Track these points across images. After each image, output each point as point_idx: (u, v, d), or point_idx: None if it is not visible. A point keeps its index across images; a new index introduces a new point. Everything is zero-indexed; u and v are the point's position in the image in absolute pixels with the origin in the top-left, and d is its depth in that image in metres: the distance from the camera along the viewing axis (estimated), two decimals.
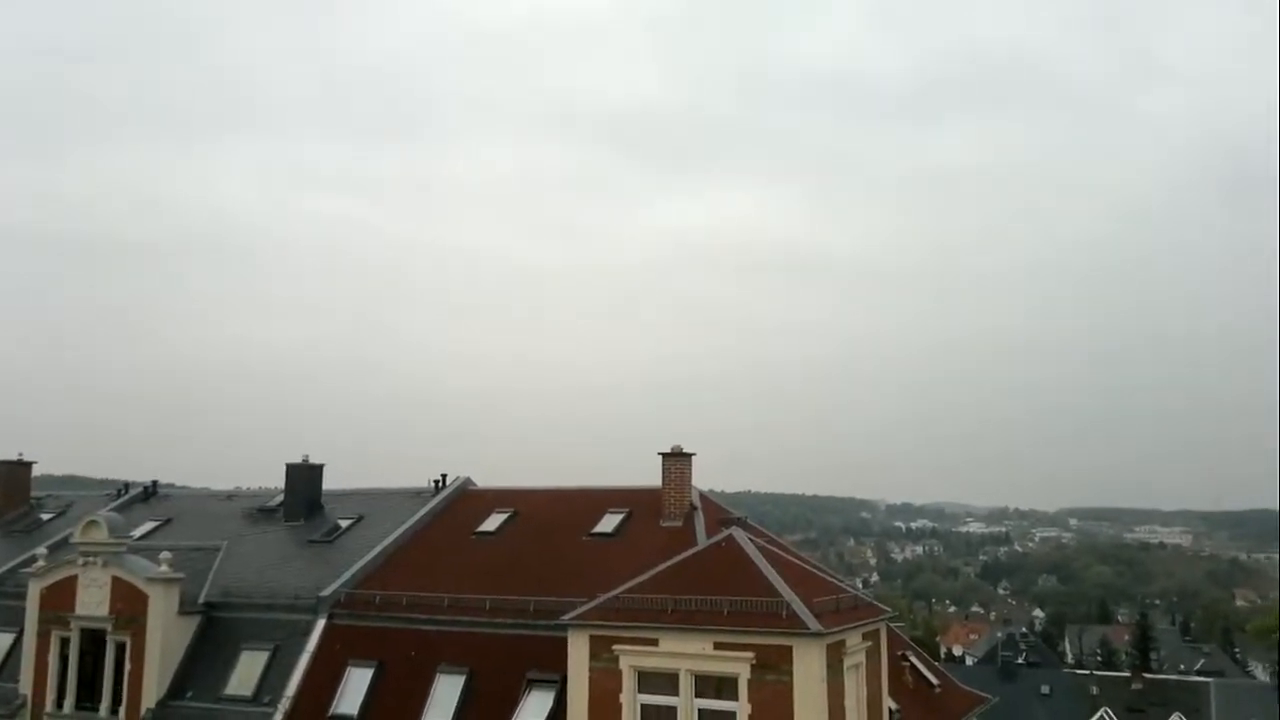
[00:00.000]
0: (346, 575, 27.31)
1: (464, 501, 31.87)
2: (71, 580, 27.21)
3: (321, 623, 26.20)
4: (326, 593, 26.61)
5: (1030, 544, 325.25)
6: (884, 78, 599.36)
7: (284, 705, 24.80)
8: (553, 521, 28.95)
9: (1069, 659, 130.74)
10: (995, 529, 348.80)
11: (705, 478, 28.51)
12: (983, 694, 31.94)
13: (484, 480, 33.45)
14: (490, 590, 25.31)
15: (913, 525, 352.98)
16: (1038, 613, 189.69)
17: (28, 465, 38.68)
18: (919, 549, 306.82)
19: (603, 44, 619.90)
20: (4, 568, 31.86)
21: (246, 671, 25.90)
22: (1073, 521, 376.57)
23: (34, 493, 38.85)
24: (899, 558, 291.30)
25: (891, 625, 26.24)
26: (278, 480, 34.37)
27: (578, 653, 21.31)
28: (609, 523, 27.98)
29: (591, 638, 21.20)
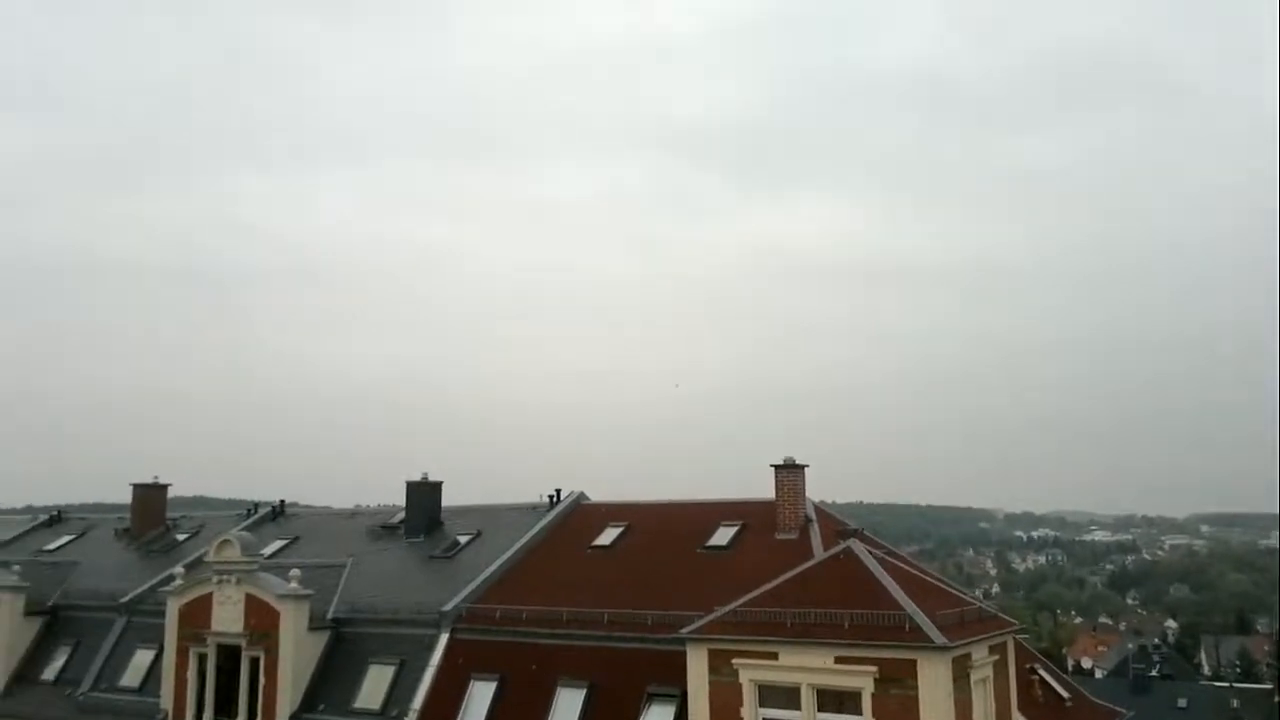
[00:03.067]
0: (467, 590, 27.81)
1: (578, 516, 32.16)
2: (207, 598, 28.28)
3: (444, 637, 26.71)
4: (449, 608, 27.13)
5: (1159, 552, 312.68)
6: (970, 79, 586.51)
7: (411, 718, 25.34)
8: (666, 535, 29.00)
9: (1205, 671, 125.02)
10: (1122, 537, 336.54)
11: (817, 489, 28.27)
12: (1116, 708, 30.79)
13: (596, 494, 33.78)
14: (607, 604, 25.45)
15: (1034, 534, 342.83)
16: (1170, 623, 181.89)
17: (163, 488, 40.40)
18: (1041, 559, 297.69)
19: (682, 59, 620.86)
20: (143, 587, 33.26)
21: (374, 685, 26.51)
22: (1204, 528, 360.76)
23: (169, 514, 40.52)
24: (1020, 568, 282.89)
25: (1017, 638, 25.52)
26: (397, 497, 35.23)
27: (697, 667, 21.28)
28: (723, 535, 27.90)
29: (711, 652, 21.15)
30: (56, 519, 43.61)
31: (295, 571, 27.81)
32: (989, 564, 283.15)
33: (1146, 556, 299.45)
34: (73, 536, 40.55)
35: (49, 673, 32.42)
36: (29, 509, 73.69)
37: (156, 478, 40.07)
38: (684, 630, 21.70)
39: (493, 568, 28.93)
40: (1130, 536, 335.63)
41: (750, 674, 20.67)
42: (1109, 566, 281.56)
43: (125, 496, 40.69)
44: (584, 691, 23.95)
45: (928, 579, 25.11)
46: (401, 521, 34.16)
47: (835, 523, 27.74)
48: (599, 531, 30.14)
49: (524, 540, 30.40)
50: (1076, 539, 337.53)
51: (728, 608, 21.60)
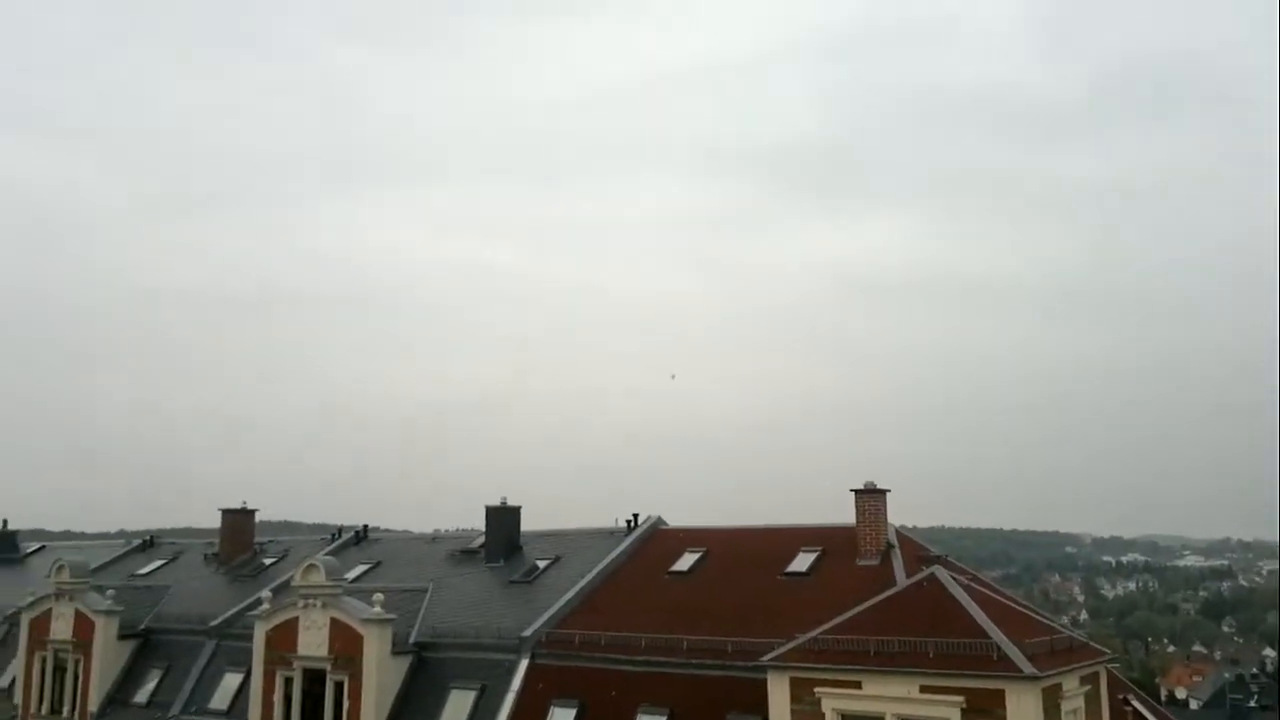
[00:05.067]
0: (547, 615, 27.92)
1: (656, 541, 32.11)
2: (293, 622, 28.79)
3: (525, 663, 26.82)
4: (528, 633, 27.25)
5: (1257, 578, 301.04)
6: (1037, 94, 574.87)
7: None
8: (745, 560, 28.81)
9: None
10: (1216, 562, 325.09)
11: (897, 513, 27.84)
12: None
13: (672, 519, 33.71)
14: (686, 630, 25.33)
15: (1123, 559, 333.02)
16: (1269, 652, 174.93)
17: (250, 513, 41.34)
18: (1131, 584, 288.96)
19: (743, 81, 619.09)
20: (232, 611, 33.99)
21: (456, 710, 26.69)
22: None
23: (256, 539, 41.41)
24: (1109, 594, 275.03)
25: (1109, 667, 24.79)
26: (475, 521, 35.55)
27: (779, 695, 21.05)
28: (803, 561, 27.61)
29: (793, 680, 20.93)
30: (149, 544, 44.90)
31: (378, 596, 28.19)
32: (1076, 590, 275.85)
33: (1243, 583, 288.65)
34: (164, 561, 41.70)
35: (141, 695, 33.25)
36: (122, 534, 76.00)
37: (244, 503, 41.05)
38: (765, 658, 21.50)
39: (571, 593, 29.02)
40: (1225, 562, 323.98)
41: (833, 703, 20.39)
42: (1203, 593, 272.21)
43: (213, 521, 41.80)
44: (664, 718, 23.83)
45: (1014, 606, 24.54)
46: (481, 546, 34.46)
47: (917, 548, 27.31)
48: (677, 557, 30.04)
49: (602, 565, 30.45)
50: (1168, 564, 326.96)
51: (809, 635, 21.35)
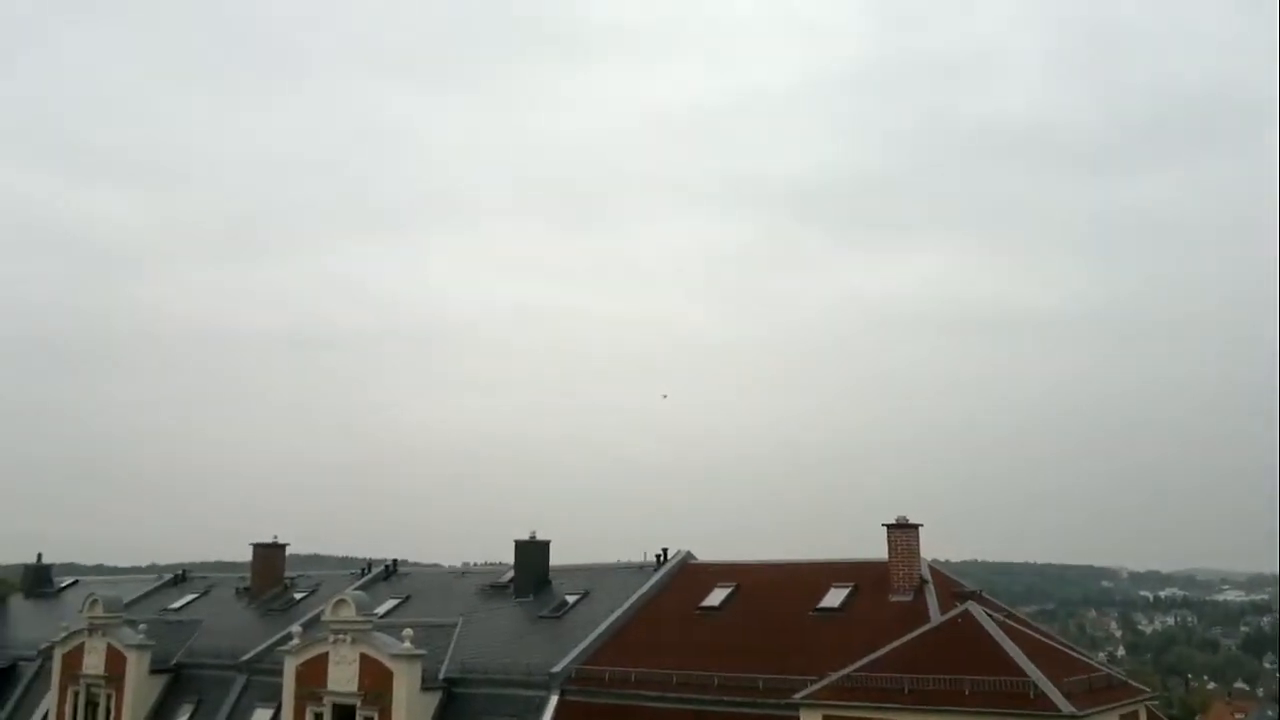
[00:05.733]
0: (576, 651, 27.74)
1: (685, 575, 31.89)
2: (323, 657, 28.75)
3: (554, 699, 26.61)
4: (558, 669, 27.08)
5: None
6: (1072, 125, 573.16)
7: None
8: (776, 596, 28.54)
9: None
10: (1257, 597, 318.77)
11: (930, 547, 27.53)
12: None
13: (701, 553, 33.47)
14: (717, 666, 25.07)
15: (1160, 594, 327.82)
16: None
17: (281, 547, 41.46)
18: (1169, 619, 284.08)
19: (781, 116, 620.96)
20: (262, 646, 33.99)
21: None
22: None
23: (286, 573, 41.52)
24: (1147, 629, 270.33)
25: (1149, 705, 24.30)
26: (503, 555, 35.47)
27: None
28: (835, 597, 27.30)
29: (825, 717, 20.67)
30: (181, 578, 45.11)
31: (408, 631, 28.12)
32: (1113, 625, 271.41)
33: None
34: (196, 595, 41.85)
35: None
36: (153, 567, 76.70)
37: (275, 537, 41.18)
38: (798, 695, 21.25)
39: (601, 628, 28.84)
40: (1266, 596, 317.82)
41: None
42: (1244, 628, 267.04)
43: (243, 554, 41.97)
44: None
45: (1050, 642, 24.15)
46: (511, 580, 34.36)
47: (951, 583, 26.97)
48: (707, 592, 29.81)
49: (632, 600, 30.26)
50: (1207, 598, 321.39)
51: (842, 672, 21.10)
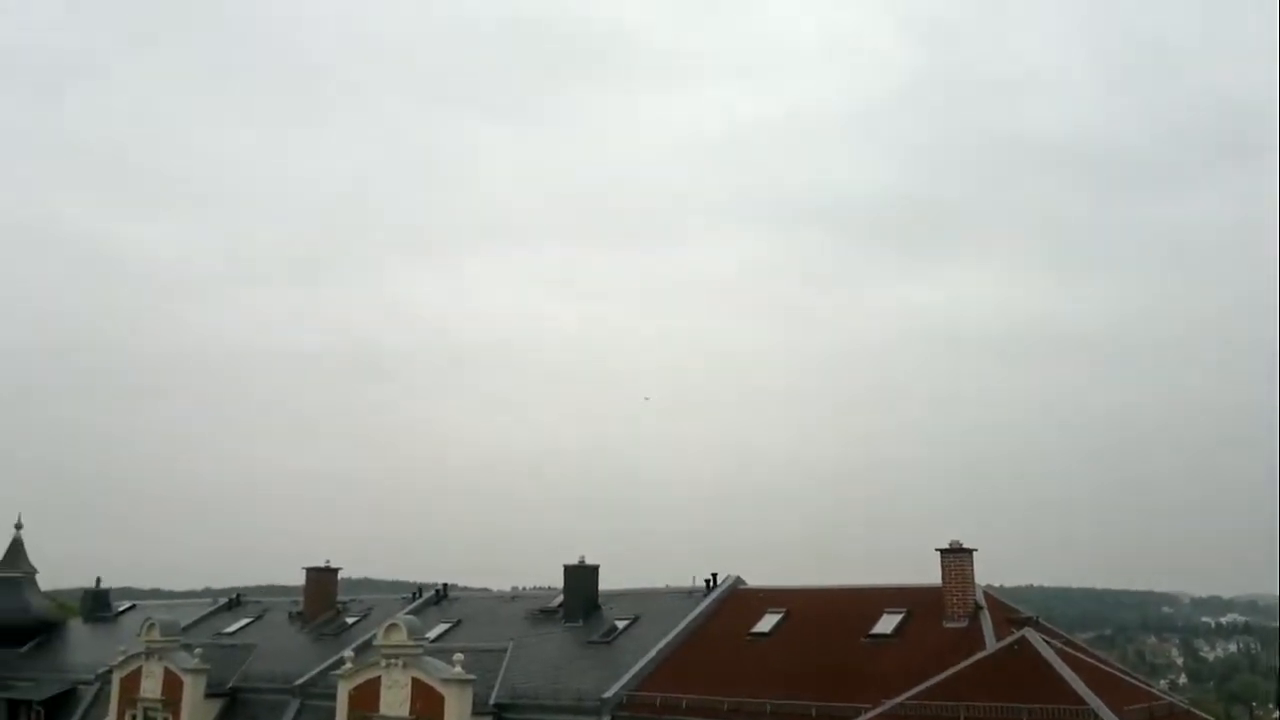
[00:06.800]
0: (627, 677, 27.65)
1: (735, 601, 31.73)
2: (375, 681, 28.91)
3: None
4: (608, 695, 27.01)
5: None
6: (1123, 141, 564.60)
7: None
8: (827, 622, 28.27)
9: None
10: None
11: (984, 572, 27.13)
12: None
13: (749, 577, 33.31)
14: (769, 693, 24.87)
15: (1222, 620, 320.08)
16: None
17: (334, 571, 41.83)
18: (1232, 646, 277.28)
19: (824, 135, 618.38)
20: (316, 670, 34.25)
21: None
22: None
23: (339, 597, 41.88)
24: (1209, 656, 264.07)
25: None
26: (551, 579, 35.53)
27: None
28: (887, 623, 26.99)
29: None
30: (235, 602, 45.67)
31: (459, 656, 28.20)
32: (1174, 652, 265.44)
33: None
34: (250, 620, 42.33)
35: None
36: (207, 591, 77.67)
37: (328, 561, 41.54)
38: None
39: (651, 654, 28.73)
40: None
41: None
42: None
43: (295, 578, 42.36)
44: None
45: (1110, 669, 23.74)
46: (560, 605, 34.39)
47: (1007, 609, 26.58)
48: (758, 617, 29.62)
49: (682, 626, 30.12)
50: (1271, 624, 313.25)
51: (896, 700, 20.86)
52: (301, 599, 41.53)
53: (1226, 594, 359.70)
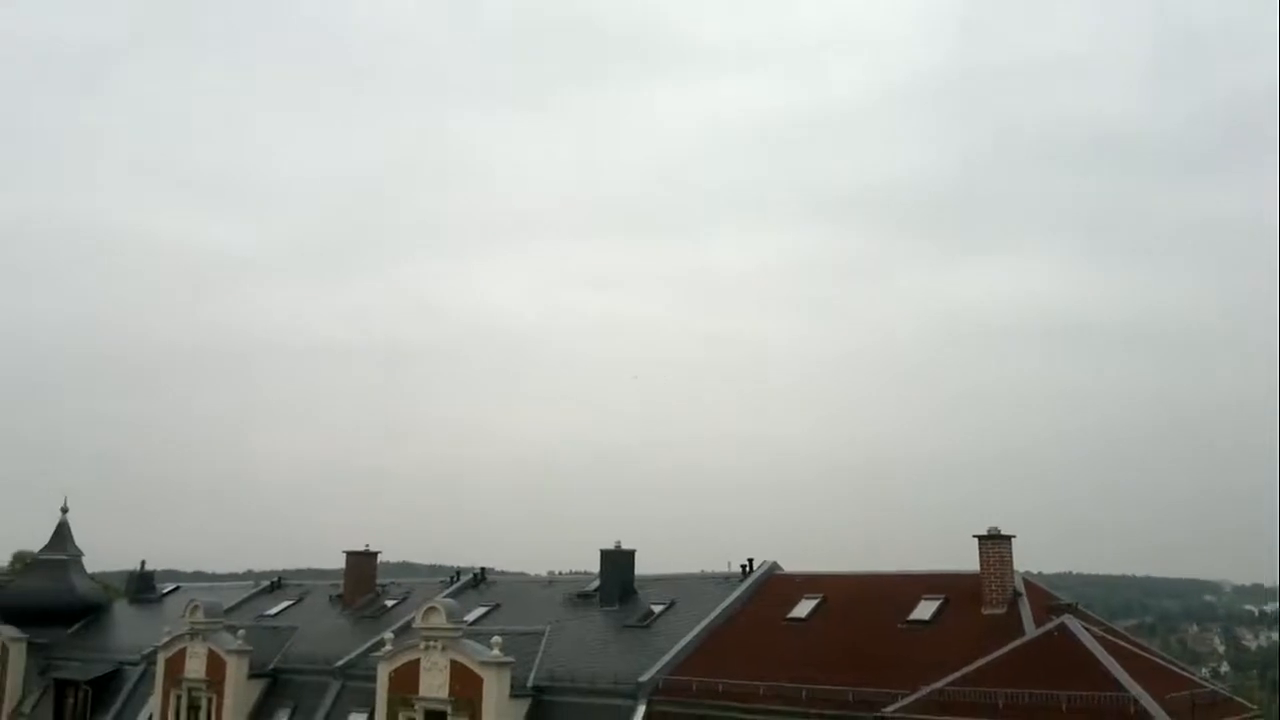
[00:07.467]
0: (663, 661, 27.78)
1: (772, 586, 31.72)
2: (415, 664, 29.24)
3: (641, 708, 26.68)
4: (645, 678, 27.16)
5: None
6: (1164, 130, 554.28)
7: None
8: (864, 608, 28.22)
9: None
10: None
11: (1023, 559, 26.90)
12: None
13: (785, 563, 33.26)
14: (805, 678, 24.88)
15: (1265, 609, 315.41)
16: None
17: (373, 555, 42.25)
18: (1275, 635, 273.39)
19: (857, 127, 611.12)
20: (356, 652, 34.69)
21: None
22: None
23: (378, 580, 42.33)
24: (1252, 645, 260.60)
25: None
26: (589, 564, 35.66)
27: None
28: (925, 609, 26.88)
29: None
30: (277, 585, 46.30)
31: (497, 639, 28.46)
32: (1216, 640, 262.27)
33: None
34: (291, 602, 42.91)
35: None
36: (249, 574, 78.81)
37: (368, 545, 41.95)
38: (888, 709, 21.03)
39: (688, 638, 28.83)
40: None
41: None
42: None
43: (335, 562, 42.86)
44: None
45: (1151, 657, 23.54)
46: (597, 589, 34.56)
47: (1045, 596, 26.42)
48: (794, 603, 29.61)
49: (718, 610, 30.19)
50: None
51: (934, 686, 20.82)
52: (341, 582, 42.02)
53: (1269, 582, 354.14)
